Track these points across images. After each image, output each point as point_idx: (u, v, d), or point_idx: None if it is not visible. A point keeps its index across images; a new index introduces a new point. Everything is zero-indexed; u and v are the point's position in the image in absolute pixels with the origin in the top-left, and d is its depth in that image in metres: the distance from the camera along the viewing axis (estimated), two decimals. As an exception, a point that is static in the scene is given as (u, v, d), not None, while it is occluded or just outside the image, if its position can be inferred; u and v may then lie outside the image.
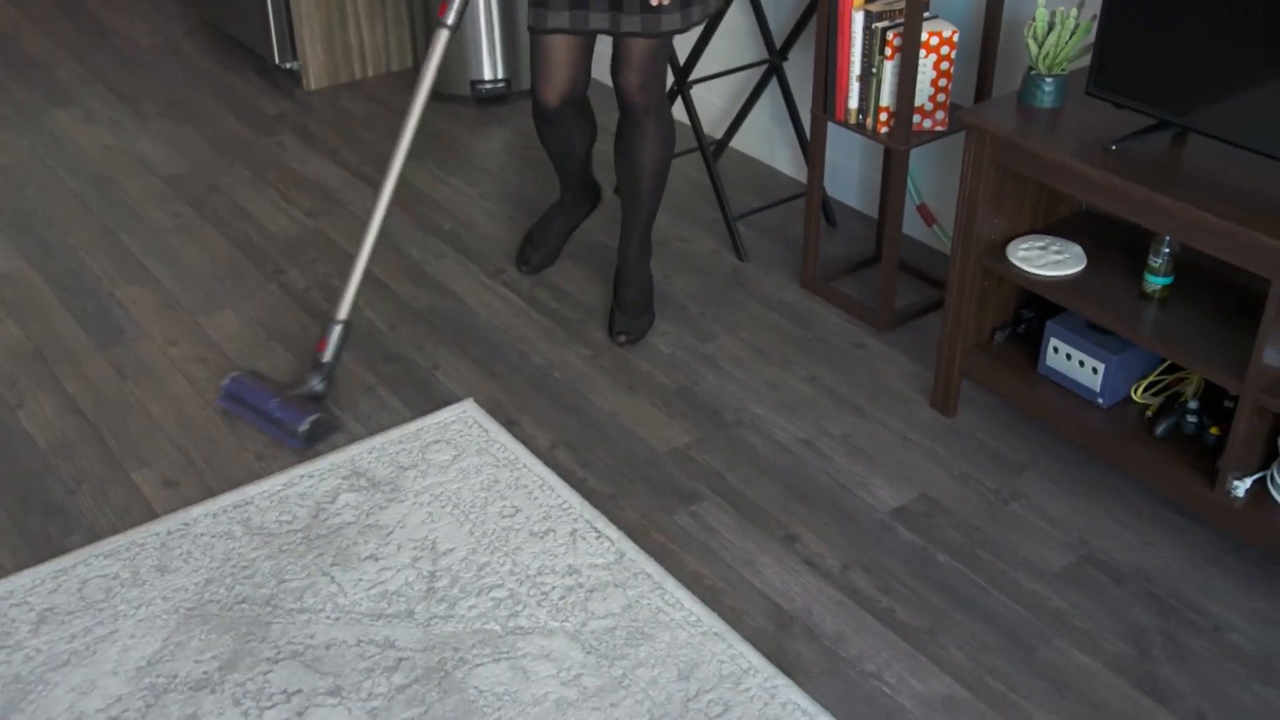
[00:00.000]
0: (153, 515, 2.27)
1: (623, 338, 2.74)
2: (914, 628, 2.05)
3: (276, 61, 3.96)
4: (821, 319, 2.85)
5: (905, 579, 2.14)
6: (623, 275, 2.77)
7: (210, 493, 2.33)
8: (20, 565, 2.16)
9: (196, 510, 2.26)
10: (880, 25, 2.57)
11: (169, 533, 2.21)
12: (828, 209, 3.21)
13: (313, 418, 2.40)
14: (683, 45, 3.46)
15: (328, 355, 2.50)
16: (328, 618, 2.03)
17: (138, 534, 2.21)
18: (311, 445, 2.41)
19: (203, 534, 2.21)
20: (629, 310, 2.76)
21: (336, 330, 2.50)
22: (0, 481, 2.35)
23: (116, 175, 3.45)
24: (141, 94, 3.94)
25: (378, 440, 2.44)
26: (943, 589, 2.12)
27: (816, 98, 2.75)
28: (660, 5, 2.39)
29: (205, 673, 1.93)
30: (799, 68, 3.30)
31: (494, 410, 2.54)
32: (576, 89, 2.61)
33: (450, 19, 2.42)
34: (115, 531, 2.23)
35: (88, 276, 2.99)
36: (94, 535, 2.22)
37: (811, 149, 2.84)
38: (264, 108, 3.86)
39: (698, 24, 2.50)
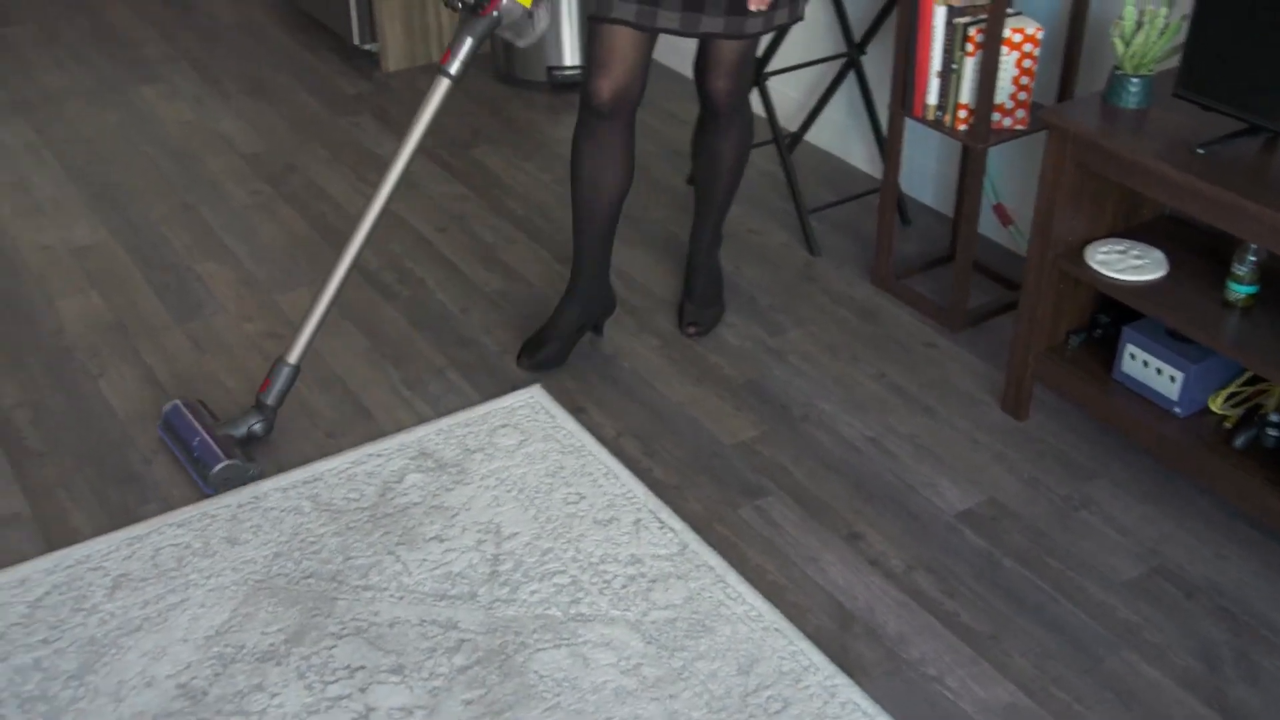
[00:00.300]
0: (224, 488, 2.31)
1: (692, 329, 2.73)
2: (978, 632, 2.03)
3: (356, 42, 4.00)
4: (892, 316, 2.83)
5: (970, 583, 2.12)
6: (694, 265, 2.76)
7: (280, 467, 2.36)
8: (97, 531, 2.21)
9: (267, 484, 2.30)
10: (962, 21, 2.54)
11: (239, 505, 2.25)
12: (902, 206, 3.18)
13: (226, 464, 2.24)
14: (763, 37, 3.44)
15: (271, 397, 2.34)
16: (392, 596, 2.06)
17: (209, 505, 2.25)
18: (220, 492, 2.25)
19: (272, 508, 2.24)
20: (699, 300, 2.76)
21: (284, 373, 2.35)
22: (80, 449, 2.40)
23: (198, 151, 3.51)
24: (224, 72, 4.00)
25: (445, 422, 2.46)
26: (1008, 595, 2.10)
27: (895, 93, 2.73)
28: (756, 9, 2.28)
29: (271, 645, 1.96)
30: (877, 62, 3.27)
31: (561, 397, 2.55)
32: (632, 89, 2.39)
33: (454, 68, 2.27)
34: (188, 502, 2.27)
35: (168, 250, 3.04)
36: (168, 505, 2.27)
37: (888, 145, 2.81)
38: (342, 88, 3.91)
39: (781, 26, 2.41)
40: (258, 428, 2.34)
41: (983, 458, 2.40)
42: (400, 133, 3.63)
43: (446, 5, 2.27)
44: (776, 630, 2.00)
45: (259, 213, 3.22)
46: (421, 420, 2.49)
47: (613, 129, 2.43)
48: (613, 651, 1.96)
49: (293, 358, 2.36)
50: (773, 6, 2.33)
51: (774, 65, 3.24)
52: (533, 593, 2.06)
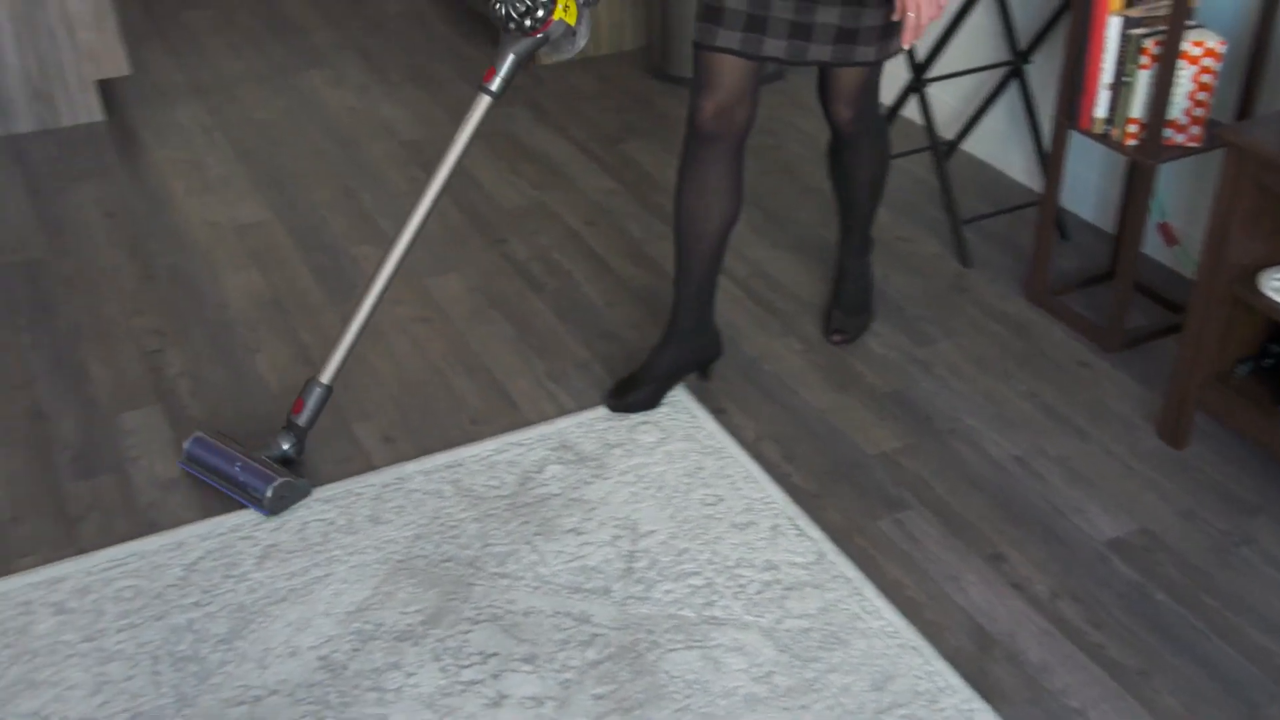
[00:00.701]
0: (370, 467, 2.36)
1: (838, 337, 2.70)
2: (1125, 667, 1.95)
3: (515, 35, 4.05)
4: (1046, 333, 2.75)
5: (1119, 614, 2.05)
6: (842, 271, 2.73)
7: (424, 451, 2.40)
8: (247, 502, 2.28)
9: (411, 466, 2.34)
10: (1138, 32, 2.45)
11: (384, 485, 2.30)
12: (1061, 220, 3.09)
13: (279, 482, 2.20)
14: (924, 41, 3.38)
15: (303, 418, 2.31)
16: (528, 586, 2.08)
17: (355, 483, 2.30)
18: (278, 513, 2.22)
19: (415, 490, 2.29)
20: (846, 308, 2.72)
21: (316, 393, 2.31)
22: (235, 420, 2.48)
23: (360, 137, 3.60)
24: (388, 60, 4.10)
25: (587, 415, 2.47)
26: (1159, 630, 2.02)
27: (1061, 104, 2.65)
28: (886, 25, 2.19)
29: (409, 625, 2.00)
30: (1042, 71, 3.18)
31: (703, 396, 2.54)
32: (738, 114, 2.26)
33: (495, 86, 2.23)
34: (335, 479, 2.33)
35: (326, 233, 3.13)
36: (315, 480, 2.33)
37: (1050, 157, 2.73)
38: (499, 80, 3.96)
39: (896, 55, 2.31)
40: (291, 450, 2.31)
41: (1136, 485, 2.32)
42: (554, 126, 3.67)
43: (496, 22, 2.20)
44: (913, 648, 1.96)
45: (414, 198, 3.27)
46: (564, 412, 2.51)
47: (717, 155, 2.30)
48: (745, 657, 1.94)
49: (325, 378, 2.31)
50: (886, 35, 2.23)
51: (934, 72, 3.17)
52: (667, 592, 2.06)
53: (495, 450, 2.38)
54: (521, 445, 2.39)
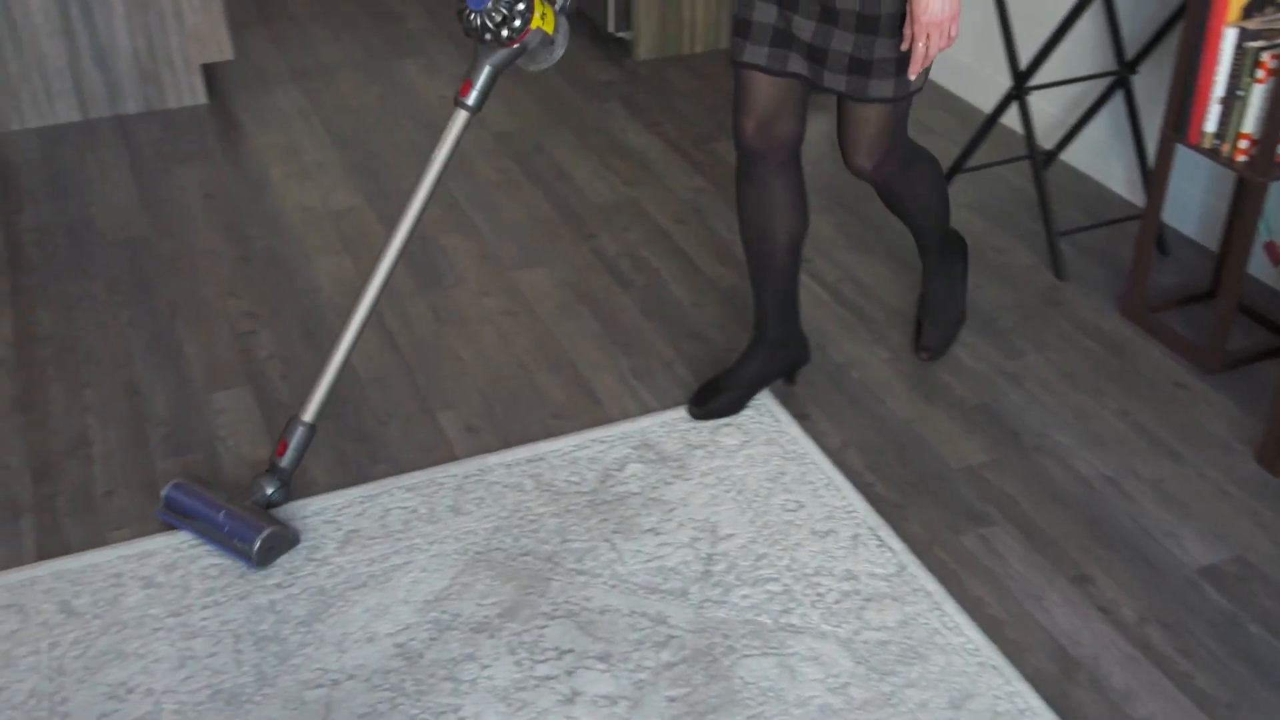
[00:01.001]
0: (452, 456, 2.38)
1: (925, 354, 2.65)
2: (1214, 699, 1.90)
3: (610, 30, 4.05)
4: (1141, 351, 2.68)
5: (1209, 643, 1.99)
6: (928, 281, 2.68)
7: (507, 443, 2.41)
8: (333, 484, 2.31)
9: (493, 458, 2.35)
10: (1255, 45, 2.38)
11: (465, 476, 2.31)
12: (1161, 236, 3.01)
13: (268, 532, 2.07)
14: (1027, 48, 3.32)
15: (287, 460, 2.18)
16: (605, 583, 2.08)
17: (437, 473, 2.32)
18: (265, 565, 2.09)
19: (496, 482, 2.30)
20: (934, 319, 2.67)
21: (300, 433, 2.19)
22: (323, 403, 2.51)
23: (452, 127, 3.62)
24: (482, 51, 4.12)
25: (669, 415, 2.47)
26: (1252, 662, 1.96)
27: (1169, 117, 2.58)
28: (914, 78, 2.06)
29: (486, 617, 2.01)
30: (1148, 82, 3.11)
31: (787, 401, 2.52)
32: (780, 129, 2.22)
33: (472, 100, 2.13)
34: (417, 467, 2.35)
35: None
36: (398, 467, 2.35)
37: (1154, 171, 2.66)
38: (594, 74, 3.97)
39: (916, 93, 2.14)
40: (275, 495, 2.17)
41: (1232, 511, 2.25)
42: (647, 122, 3.66)
43: (467, 34, 2.09)
44: (993, 667, 1.93)
45: (504, 190, 3.30)
46: (646, 411, 2.50)
47: (767, 171, 2.26)
48: (821, 667, 1.92)
49: (309, 416, 2.19)
50: (903, 70, 2.09)
51: (1036, 80, 3.11)
52: (744, 597, 2.05)
53: (577, 446, 2.38)
54: (603, 442, 2.39)
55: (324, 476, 2.33)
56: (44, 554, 2.14)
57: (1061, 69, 3.31)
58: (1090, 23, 3.22)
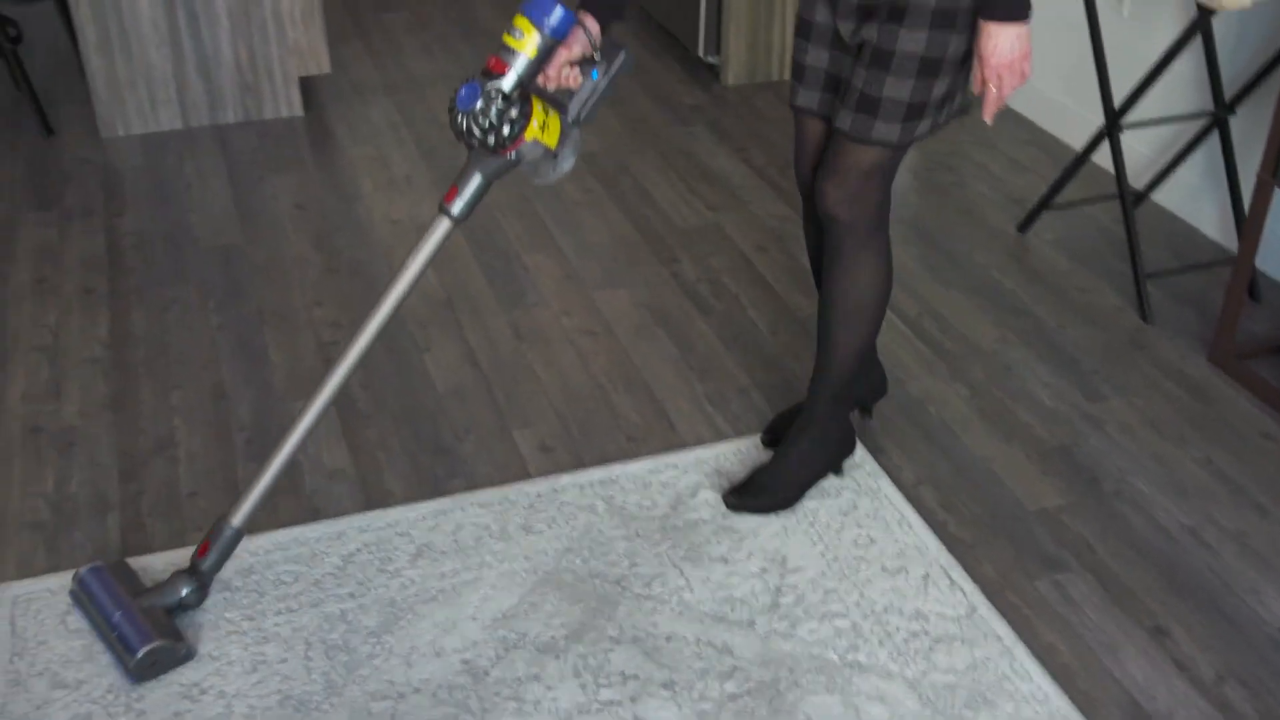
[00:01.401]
0: (526, 475, 2.40)
1: (729, 498, 2.29)
2: (1291, 763, 1.86)
3: (700, 54, 4.07)
4: (1228, 399, 2.63)
5: (1288, 706, 1.94)
6: (791, 434, 2.30)
7: (580, 463, 2.43)
8: (408, 496, 2.34)
9: (566, 478, 2.37)
10: (1360, 93, 2.32)
11: (538, 495, 2.33)
12: (1254, 281, 2.95)
13: (152, 646, 1.91)
14: (1122, 84, 3.27)
15: (208, 563, 2.02)
16: (672, 610, 2.08)
17: (511, 490, 2.34)
18: (144, 681, 1.92)
19: (568, 503, 2.31)
20: (763, 480, 2.28)
21: (227, 536, 2.03)
22: (401, 417, 2.55)
23: (539, 146, 3.66)
24: (572, 71, 4.16)
25: (744, 443, 2.47)
26: (1331, 727, 1.91)
27: (1267, 160, 2.53)
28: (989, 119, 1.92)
29: (552, 638, 2.02)
30: (1246, 124, 3.05)
31: (862, 434, 2.51)
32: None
33: (457, 209, 1.94)
34: (491, 484, 2.38)
35: (501, 238, 3.19)
36: (473, 483, 2.38)
37: (1249, 215, 2.61)
38: (682, 97, 3.99)
39: (923, 138, 2.01)
40: (190, 596, 2.02)
41: (1317, 570, 2.20)
42: (734, 147, 3.67)
43: (457, 138, 1.87)
44: (1063, 718, 1.90)
45: (588, 210, 3.33)
46: (720, 437, 2.50)
47: (818, 219, 2.20)
48: (886, 707, 1.91)
49: (237, 520, 2.04)
50: (914, 116, 1.95)
51: (1130, 117, 3.07)
52: (811, 631, 2.04)
53: (650, 470, 2.39)
54: (676, 467, 2.40)
55: (400, 488, 2.36)
56: (128, 551, 2.20)
57: (1156, 107, 3.26)
58: (1188, 61, 3.17)
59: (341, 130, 3.75)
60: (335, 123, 3.80)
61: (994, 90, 1.88)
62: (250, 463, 2.41)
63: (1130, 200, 2.97)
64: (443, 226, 1.97)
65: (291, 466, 2.40)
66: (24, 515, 2.28)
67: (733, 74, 4.05)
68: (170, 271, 3.03)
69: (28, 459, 2.41)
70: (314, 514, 2.29)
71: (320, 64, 3.78)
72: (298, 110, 3.82)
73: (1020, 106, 3.84)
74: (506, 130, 1.85)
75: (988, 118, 1.91)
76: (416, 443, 2.48)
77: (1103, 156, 3.48)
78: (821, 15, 2.02)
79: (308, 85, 3.98)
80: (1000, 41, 1.84)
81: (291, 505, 2.31)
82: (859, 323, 2.17)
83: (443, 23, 4.57)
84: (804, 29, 2.07)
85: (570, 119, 1.92)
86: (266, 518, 2.27)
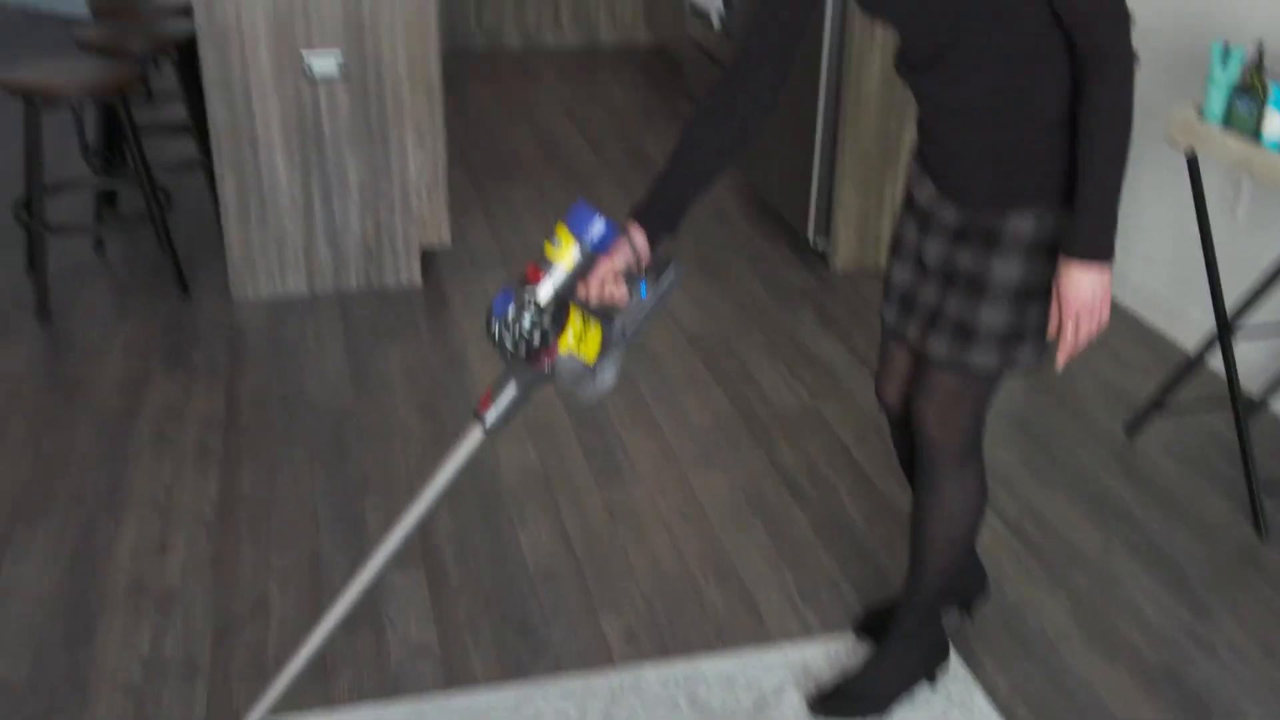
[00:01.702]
0: (610, 661, 2.38)
1: (814, 704, 2.25)
2: None
3: (809, 238, 4.13)
4: (1349, 626, 2.50)
5: None
6: (883, 641, 2.26)
7: (665, 652, 2.40)
8: (489, 675, 2.34)
9: (649, 670, 2.35)
10: None
11: (621, 686, 2.31)
12: (1378, 498, 2.83)
13: None
14: (1234, 286, 3.22)
15: None
16: (749, 818, 2.02)
17: (594, 679, 2.32)
18: None
19: (650, 696, 2.28)
20: (853, 684, 2.24)
21: None
22: (491, 593, 2.56)
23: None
24: (682, 249, 4.26)
25: (833, 645, 2.42)
26: None
27: (1388, 380, 2.45)
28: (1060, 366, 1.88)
29: (625, 839, 1.98)
30: (1370, 336, 2.97)
31: (956, 639, 2.44)
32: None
33: (489, 420, 1.84)
34: (575, 668, 2.36)
35: (601, 414, 3.24)
36: (556, 667, 2.36)
37: (1371, 434, 2.52)
38: (789, 280, 4.04)
39: (1025, 366, 1.94)
40: None
41: None
42: (838, 333, 3.69)
43: (493, 346, 1.81)
44: None
45: (690, 389, 3.36)
46: (809, 632, 2.46)
47: (905, 436, 2.21)
48: None
49: (253, 716, 2.02)
50: (1012, 341, 1.90)
51: (1245, 319, 3.01)
52: None
53: (736, 667, 2.36)
54: (762, 665, 2.36)
55: (483, 668, 2.36)
56: (211, 715, 2.22)
57: (1274, 312, 3.20)
58: (1306, 270, 3.11)
59: (457, 300, 3.87)
60: (452, 292, 3.93)
61: (1071, 334, 1.83)
62: (340, 633, 2.44)
63: (1244, 407, 2.90)
64: (474, 436, 1.87)
65: (379, 637, 2.42)
66: (118, 675, 2.33)
67: (841, 260, 4.10)
68: (282, 432, 3.13)
69: (128, 617, 2.48)
70: (395, 690, 2.30)
71: (441, 235, 3.94)
72: (417, 279, 3.96)
73: (1129, 302, 3.80)
74: (537, 341, 1.77)
75: (1060, 363, 1.85)
76: (504, 622, 2.49)
77: (1216, 362, 3.42)
78: (909, 232, 2.04)
79: (428, 254, 4.14)
80: (1082, 282, 1.79)
81: (374, 680, 2.32)
82: (949, 545, 2.13)
83: (561, 196, 4.73)
84: (894, 244, 2.08)
85: (615, 335, 1.83)
86: (348, 690, 2.28)
